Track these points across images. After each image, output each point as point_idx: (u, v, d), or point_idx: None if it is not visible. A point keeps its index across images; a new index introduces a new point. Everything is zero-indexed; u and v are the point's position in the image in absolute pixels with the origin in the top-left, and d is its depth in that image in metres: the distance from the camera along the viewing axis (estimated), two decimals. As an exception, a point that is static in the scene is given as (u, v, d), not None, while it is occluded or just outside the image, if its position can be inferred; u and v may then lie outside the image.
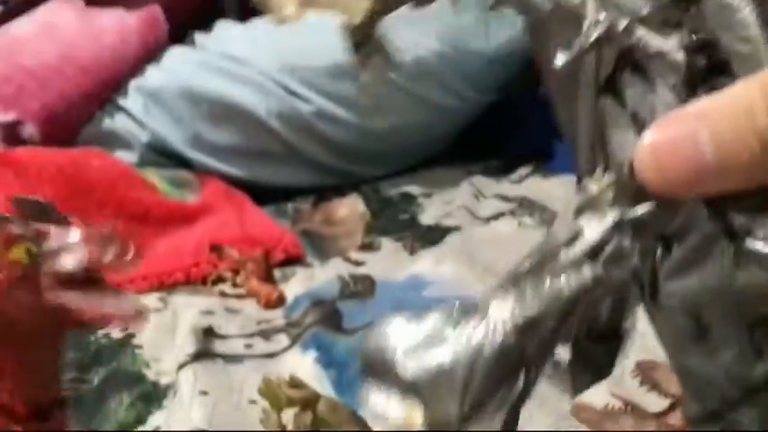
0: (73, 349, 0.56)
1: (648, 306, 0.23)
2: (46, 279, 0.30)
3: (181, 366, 0.57)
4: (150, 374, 0.57)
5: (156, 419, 0.50)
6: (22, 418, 0.32)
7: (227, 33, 1.12)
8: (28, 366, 0.32)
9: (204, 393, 0.53)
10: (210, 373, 0.56)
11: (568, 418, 0.48)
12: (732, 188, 0.15)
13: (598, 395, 0.49)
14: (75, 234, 0.31)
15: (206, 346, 0.60)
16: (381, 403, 0.17)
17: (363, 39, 0.28)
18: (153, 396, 0.55)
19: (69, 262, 0.30)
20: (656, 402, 0.50)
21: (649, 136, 0.16)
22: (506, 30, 1.08)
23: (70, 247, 0.30)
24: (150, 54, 1.07)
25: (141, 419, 0.53)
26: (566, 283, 0.17)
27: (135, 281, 0.74)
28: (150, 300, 0.71)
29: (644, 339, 0.56)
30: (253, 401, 0.54)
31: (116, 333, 0.64)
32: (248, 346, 0.63)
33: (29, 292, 0.30)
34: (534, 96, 1.19)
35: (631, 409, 0.48)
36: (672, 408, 0.49)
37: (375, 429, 0.44)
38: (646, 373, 0.53)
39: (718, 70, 0.18)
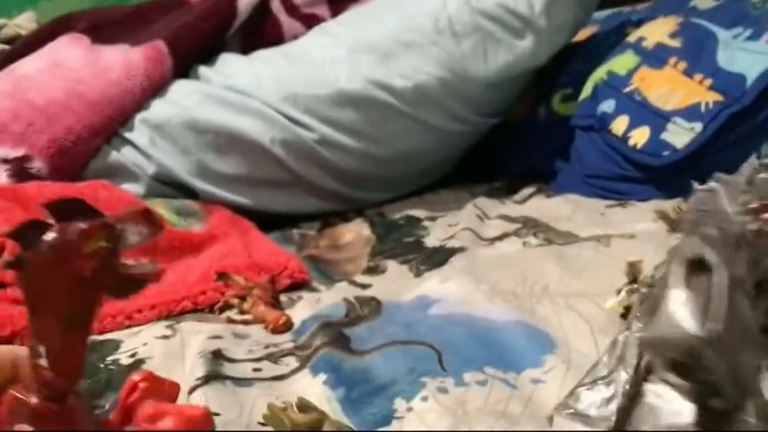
0: (85, 378, 0.57)
1: None
2: (117, 257, 0.34)
3: (192, 390, 0.58)
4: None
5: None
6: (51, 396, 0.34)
7: (229, 66, 1.14)
8: (69, 345, 0.34)
9: (216, 415, 0.53)
10: (221, 396, 0.56)
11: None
12: None
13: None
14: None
15: (215, 369, 0.60)
16: None
17: None
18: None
19: (136, 238, 0.33)
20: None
21: None
22: (504, 55, 1.10)
23: (129, 226, 0.33)
24: (155, 88, 1.09)
25: (152, 443, 0.53)
26: None
27: (143, 310, 0.75)
28: (159, 327, 0.72)
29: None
30: (263, 423, 0.54)
31: (125, 359, 0.65)
32: (257, 369, 0.63)
33: (111, 272, 0.33)
34: (533, 119, 1.21)
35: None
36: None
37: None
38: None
39: None
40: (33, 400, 0.35)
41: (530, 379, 0.55)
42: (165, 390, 0.41)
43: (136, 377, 0.40)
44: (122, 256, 0.33)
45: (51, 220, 0.33)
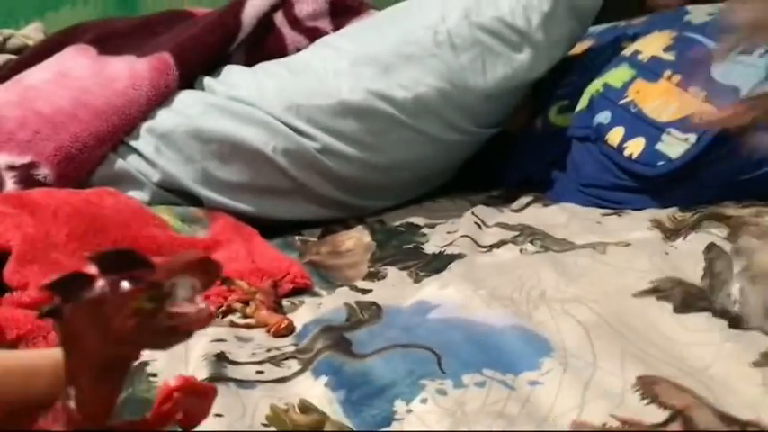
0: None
1: None
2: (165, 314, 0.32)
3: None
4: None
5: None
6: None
7: (234, 77, 1.16)
8: (98, 393, 0.34)
9: (219, 416, 0.55)
10: (224, 397, 0.57)
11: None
12: None
13: (597, 417, 0.51)
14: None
15: (219, 371, 0.61)
16: None
17: None
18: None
19: (187, 292, 0.32)
20: (655, 414, 0.51)
21: None
22: (502, 68, 1.12)
23: (180, 280, 0.32)
24: (161, 98, 1.11)
25: (157, 443, 0.54)
26: None
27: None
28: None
29: (648, 357, 0.58)
30: (266, 424, 0.55)
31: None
32: (259, 372, 0.64)
33: (151, 330, 0.32)
34: (531, 130, 1.23)
35: (628, 426, 0.49)
36: (671, 419, 0.50)
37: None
38: (647, 387, 0.54)
39: None
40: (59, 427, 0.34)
41: (527, 381, 0.57)
42: (201, 399, 0.39)
43: (172, 383, 0.38)
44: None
45: (95, 271, 0.32)
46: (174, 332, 0.33)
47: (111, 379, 0.33)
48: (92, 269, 0.32)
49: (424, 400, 0.55)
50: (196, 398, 0.38)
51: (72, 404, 0.33)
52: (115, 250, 0.32)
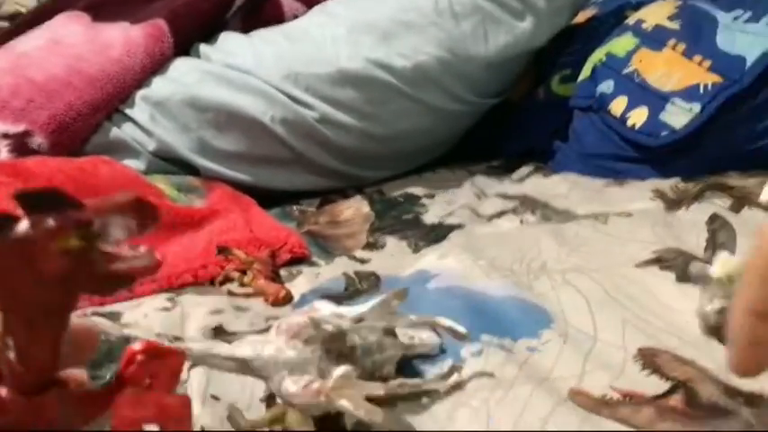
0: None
1: None
2: (99, 256, 0.30)
3: (192, 366, 0.58)
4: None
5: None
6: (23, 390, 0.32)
7: (230, 44, 1.14)
8: (36, 343, 0.31)
9: (215, 398, 0.54)
10: (222, 374, 0.56)
11: (566, 401, 0.48)
12: None
13: (597, 387, 0.50)
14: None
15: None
16: None
17: None
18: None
19: (120, 232, 0.30)
20: (656, 386, 0.50)
21: None
22: (504, 36, 1.10)
23: (113, 219, 0.30)
24: (156, 66, 1.09)
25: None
26: None
27: (144, 282, 0.75)
28: (159, 300, 0.72)
29: (649, 327, 0.57)
30: (263, 400, 0.54)
31: (127, 331, 0.65)
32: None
33: (85, 272, 0.30)
34: (532, 99, 1.22)
35: (629, 398, 0.49)
36: (672, 390, 0.50)
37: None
38: (647, 358, 0.54)
39: None
40: (3, 391, 0.32)
41: (526, 347, 0.56)
42: (167, 362, 0.36)
43: (136, 347, 0.36)
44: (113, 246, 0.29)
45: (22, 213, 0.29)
46: (114, 277, 0.30)
47: (50, 326, 0.31)
48: (18, 211, 0.30)
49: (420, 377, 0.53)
50: (161, 361, 0.36)
51: (12, 355, 0.31)
52: (41, 189, 0.30)
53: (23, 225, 0.29)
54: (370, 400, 0.44)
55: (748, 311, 0.20)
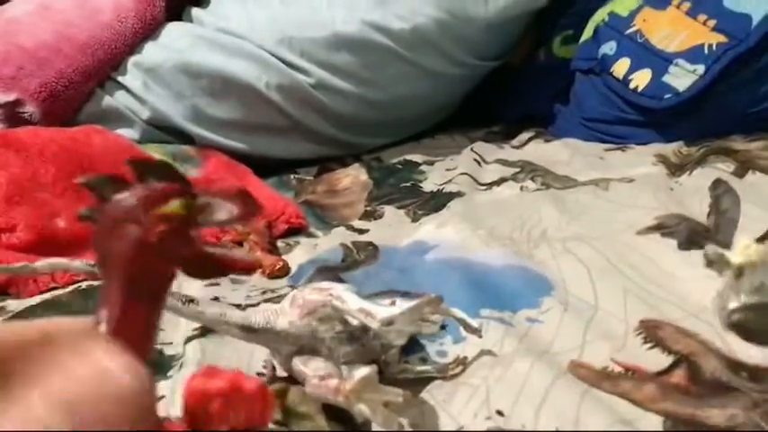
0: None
1: None
2: (196, 231, 0.31)
3: (188, 340, 0.58)
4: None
5: (162, 389, 0.50)
6: None
7: (224, 8, 1.11)
8: (131, 316, 0.31)
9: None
10: (217, 347, 0.56)
11: (566, 374, 0.48)
12: None
13: (598, 359, 0.49)
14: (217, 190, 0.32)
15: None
16: None
17: None
18: (158, 364, 0.55)
19: (223, 215, 0.31)
20: (658, 360, 0.50)
21: None
22: (504, -4, 1.08)
23: (217, 202, 0.31)
24: (147, 31, 1.07)
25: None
26: None
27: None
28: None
29: (651, 297, 0.56)
30: (261, 374, 0.54)
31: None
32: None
33: (182, 243, 0.31)
34: (533, 62, 1.19)
35: (632, 373, 0.48)
36: (675, 365, 0.49)
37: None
38: (650, 330, 0.53)
39: None
40: None
41: (526, 317, 0.55)
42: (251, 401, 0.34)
43: (206, 385, 0.33)
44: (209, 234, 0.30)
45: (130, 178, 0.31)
46: (209, 260, 0.32)
47: (147, 297, 0.31)
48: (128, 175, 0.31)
49: (423, 360, 0.53)
50: (246, 404, 0.34)
51: (103, 327, 0.30)
52: (154, 161, 0.32)
53: (131, 189, 0.31)
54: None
55: None
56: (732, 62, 0.89)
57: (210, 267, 0.32)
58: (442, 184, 0.91)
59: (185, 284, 0.64)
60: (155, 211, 0.30)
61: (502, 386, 0.47)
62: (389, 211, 0.86)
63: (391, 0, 1.06)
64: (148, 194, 0.31)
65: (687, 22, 0.96)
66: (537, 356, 0.50)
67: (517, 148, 1.03)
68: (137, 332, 0.31)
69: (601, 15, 1.07)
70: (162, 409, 0.42)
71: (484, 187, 0.89)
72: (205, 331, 0.58)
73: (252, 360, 0.55)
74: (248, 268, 0.33)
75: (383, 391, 0.43)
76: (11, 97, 0.98)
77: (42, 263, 0.55)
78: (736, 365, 0.46)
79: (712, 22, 0.93)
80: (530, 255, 0.66)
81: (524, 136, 1.07)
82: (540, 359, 0.49)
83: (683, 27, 0.96)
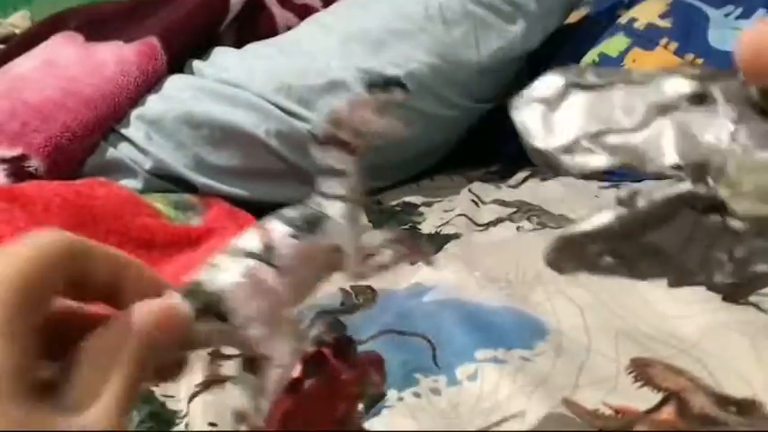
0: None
1: None
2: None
3: (191, 398, 0.58)
4: (157, 393, 0.58)
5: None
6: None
7: (223, 59, 1.14)
8: None
9: (213, 425, 0.54)
10: (222, 400, 0.57)
11: (560, 406, 0.49)
12: None
13: (589, 401, 0.50)
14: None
15: (214, 372, 0.61)
16: None
17: None
18: (162, 417, 0.56)
19: (371, 390, 0.39)
20: (648, 397, 0.50)
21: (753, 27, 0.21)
22: (495, 41, 1.10)
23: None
24: (150, 84, 1.10)
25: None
26: None
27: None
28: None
29: (641, 335, 0.57)
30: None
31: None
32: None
33: (351, 421, 0.40)
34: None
35: (622, 415, 0.49)
36: (664, 402, 0.50)
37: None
38: (640, 369, 0.53)
39: None
40: None
41: (519, 356, 0.56)
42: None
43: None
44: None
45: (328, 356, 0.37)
46: None
47: None
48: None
49: (417, 395, 0.54)
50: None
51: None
52: (342, 338, 0.40)
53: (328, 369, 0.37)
54: None
55: None
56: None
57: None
58: (439, 226, 0.92)
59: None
60: (351, 391, 0.38)
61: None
62: (388, 254, 0.87)
63: (385, 47, 1.08)
64: (351, 375, 0.38)
65: (675, 62, 0.98)
66: (540, 382, 0.50)
67: (514, 187, 1.05)
68: None
69: (591, 56, 1.09)
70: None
71: (481, 228, 0.90)
72: (208, 384, 0.58)
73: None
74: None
75: None
76: (16, 152, 1.01)
77: None
78: (724, 400, 0.47)
79: (700, 61, 0.96)
80: (525, 297, 0.67)
81: (521, 175, 1.08)
82: (543, 384, 0.50)
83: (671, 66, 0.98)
